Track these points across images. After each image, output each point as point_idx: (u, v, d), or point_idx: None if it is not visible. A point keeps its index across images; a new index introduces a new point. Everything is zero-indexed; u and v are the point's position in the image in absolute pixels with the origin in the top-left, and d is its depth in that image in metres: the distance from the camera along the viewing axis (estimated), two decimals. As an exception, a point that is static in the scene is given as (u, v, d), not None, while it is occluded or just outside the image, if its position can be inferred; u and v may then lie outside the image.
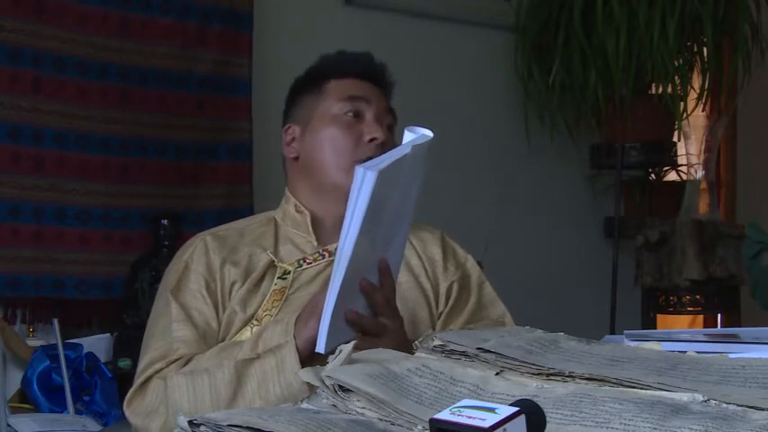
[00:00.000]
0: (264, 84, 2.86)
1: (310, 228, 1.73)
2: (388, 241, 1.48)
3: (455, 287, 1.75)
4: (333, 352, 1.19)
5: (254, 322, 1.63)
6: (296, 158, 1.77)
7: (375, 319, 1.48)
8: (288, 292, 1.65)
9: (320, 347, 1.39)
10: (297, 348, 1.47)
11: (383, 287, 1.48)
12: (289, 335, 1.49)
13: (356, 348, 1.45)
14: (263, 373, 1.47)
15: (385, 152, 1.66)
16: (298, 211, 1.75)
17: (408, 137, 1.43)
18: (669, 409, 0.91)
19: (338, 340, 1.43)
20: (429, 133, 1.44)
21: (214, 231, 1.76)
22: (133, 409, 1.57)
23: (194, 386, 1.51)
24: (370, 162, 1.34)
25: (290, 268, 1.68)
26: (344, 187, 1.69)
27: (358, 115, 1.73)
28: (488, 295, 1.79)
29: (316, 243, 1.72)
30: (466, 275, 1.78)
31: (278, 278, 1.67)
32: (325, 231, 1.73)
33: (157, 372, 1.58)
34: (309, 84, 1.79)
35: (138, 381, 1.59)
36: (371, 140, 1.70)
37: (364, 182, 1.31)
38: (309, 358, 1.47)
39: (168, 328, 1.62)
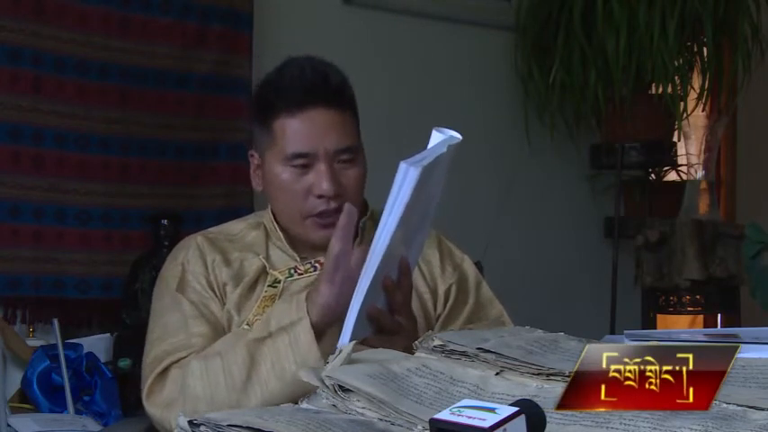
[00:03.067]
0: (264, 84, 2.86)
1: (287, 246, 1.72)
2: (409, 241, 1.48)
3: (453, 289, 1.74)
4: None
5: (246, 326, 1.62)
6: (262, 190, 1.75)
7: (392, 317, 1.48)
8: (278, 300, 1.66)
9: (345, 340, 1.39)
10: (312, 324, 1.46)
11: (401, 286, 1.48)
12: (301, 311, 1.47)
13: (371, 345, 1.46)
14: (277, 351, 1.47)
15: (341, 199, 1.63)
16: (275, 229, 1.75)
17: (437, 137, 1.40)
18: (669, 409, 0.91)
19: (359, 335, 1.44)
20: (458, 135, 1.41)
21: (204, 233, 1.76)
22: (152, 401, 1.56)
23: (208, 370, 1.50)
24: (412, 158, 1.32)
25: (281, 277, 1.69)
26: (298, 235, 1.69)
27: (307, 166, 1.64)
28: (486, 295, 1.79)
29: (298, 258, 1.71)
30: (463, 277, 1.78)
31: (268, 286, 1.67)
32: (307, 248, 1.72)
33: (179, 359, 1.57)
34: (258, 116, 1.70)
35: (155, 371, 1.57)
36: (320, 196, 1.64)
37: (407, 178, 1.31)
38: (323, 332, 1.47)
39: (184, 324, 1.61)
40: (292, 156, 1.64)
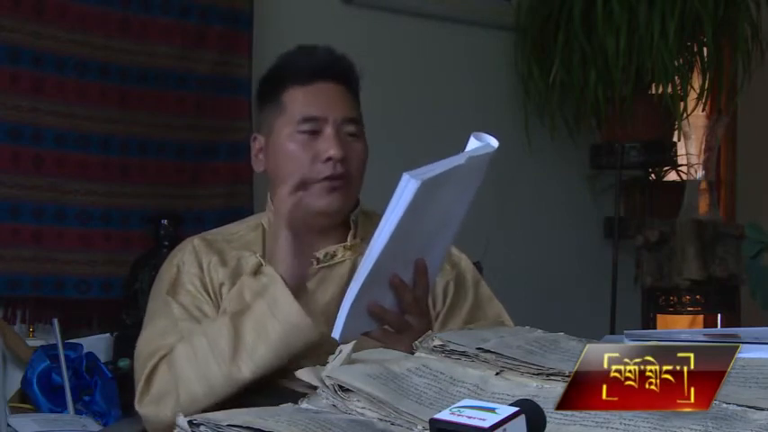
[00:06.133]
0: (264, 84, 2.86)
1: None
2: (430, 242, 1.49)
3: (451, 286, 1.75)
4: (335, 356, 1.19)
5: None
6: (264, 170, 1.77)
7: (399, 315, 1.48)
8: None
9: (336, 334, 1.41)
10: (285, 282, 1.50)
11: (417, 286, 1.49)
12: (271, 274, 1.52)
13: (375, 339, 1.47)
14: (257, 316, 1.49)
15: (347, 169, 1.69)
16: None
17: (473, 144, 1.42)
18: (669, 409, 0.91)
19: (358, 330, 1.45)
20: (494, 143, 1.43)
21: (202, 235, 1.77)
22: (143, 402, 1.57)
23: (195, 350, 1.52)
24: (418, 170, 1.34)
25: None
26: (305, 206, 1.69)
27: (315, 132, 1.69)
28: (485, 294, 1.79)
29: None
30: (461, 275, 1.78)
31: None
32: (306, 239, 1.72)
33: (162, 357, 1.58)
34: (267, 93, 1.76)
35: (144, 373, 1.59)
36: (328, 159, 1.68)
37: (406, 189, 1.32)
38: (296, 292, 1.51)
39: (173, 327, 1.62)
40: (302, 119, 1.69)
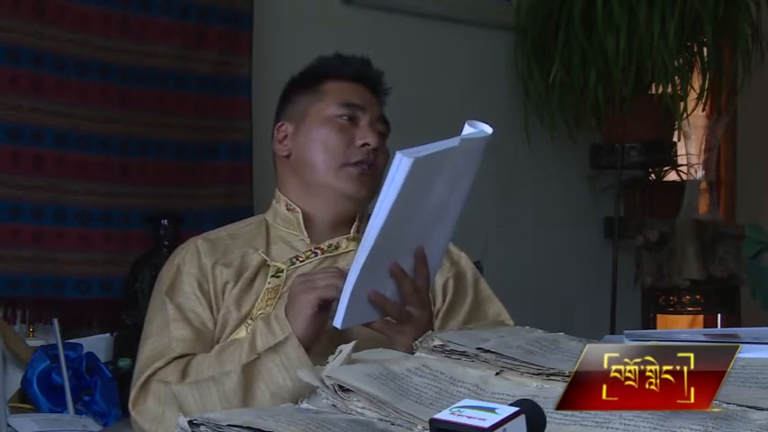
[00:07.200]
0: (264, 84, 2.86)
1: (302, 226, 1.74)
2: (429, 231, 1.48)
3: (451, 283, 1.75)
4: (333, 353, 1.19)
5: (249, 321, 1.64)
6: (287, 156, 1.78)
7: (399, 305, 1.48)
8: (281, 290, 1.66)
9: (337, 323, 1.41)
10: (299, 339, 1.48)
11: (417, 276, 1.49)
12: (286, 329, 1.49)
13: (376, 329, 1.47)
14: (269, 372, 1.48)
15: (376, 159, 1.74)
16: (289, 209, 1.76)
17: (467, 130, 1.42)
18: (669, 409, 0.91)
19: (359, 319, 1.45)
20: (488, 129, 1.43)
21: (206, 235, 1.77)
22: (138, 411, 1.57)
23: (202, 396, 1.51)
24: (410, 149, 1.34)
25: (283, 266, 1.70)
26: (332, 188, 1.72)
27: (352, 120, 1.74)
28: (484, 292, 1.79)
29: (308, 240, 1.73)
30: (461, 273, 1.78)
31: (271, 276, 1.68)
32: (318, 230, 1.75)
33: (157, 371, 1.58)
34: (306, 83, 1.80)
35: (139, 380, 1.59)
36: (363, 145, 1.72)
37: (399, 167, 1.33)
38: (309, 347, 1.49)
39: (166, 328, 1.63)
40: (344, 104, 1.74)
